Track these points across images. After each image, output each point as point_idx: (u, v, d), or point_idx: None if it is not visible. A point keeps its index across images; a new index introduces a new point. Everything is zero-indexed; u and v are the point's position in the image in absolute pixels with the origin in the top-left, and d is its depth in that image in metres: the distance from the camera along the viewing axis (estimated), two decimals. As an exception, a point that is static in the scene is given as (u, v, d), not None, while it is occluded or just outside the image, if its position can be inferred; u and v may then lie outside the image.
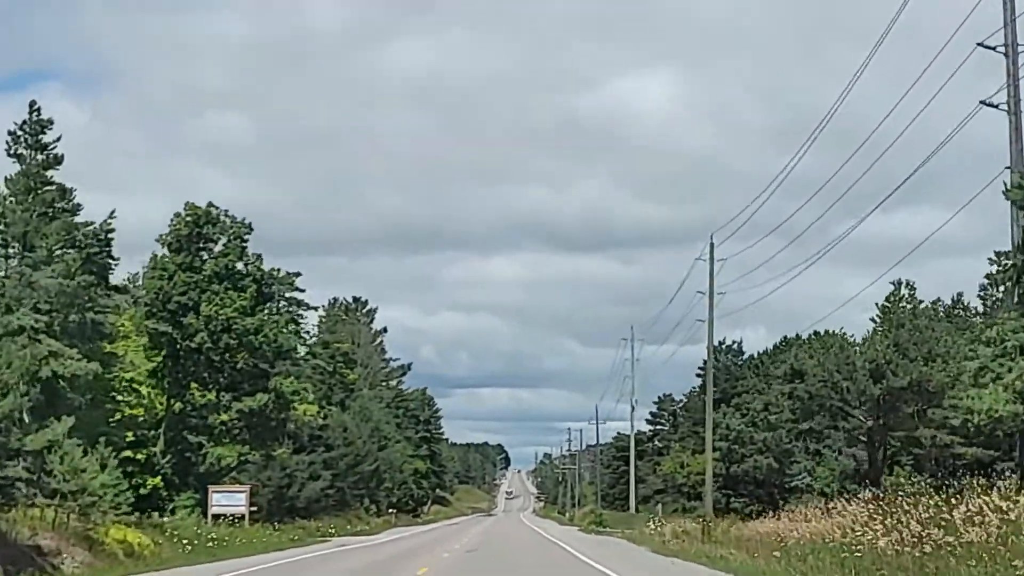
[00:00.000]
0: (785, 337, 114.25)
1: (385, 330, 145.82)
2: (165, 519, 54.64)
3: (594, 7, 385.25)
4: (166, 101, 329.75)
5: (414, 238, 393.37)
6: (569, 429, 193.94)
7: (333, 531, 66.72)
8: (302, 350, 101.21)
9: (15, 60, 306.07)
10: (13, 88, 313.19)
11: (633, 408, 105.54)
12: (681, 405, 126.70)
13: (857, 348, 49.83)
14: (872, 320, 53.60)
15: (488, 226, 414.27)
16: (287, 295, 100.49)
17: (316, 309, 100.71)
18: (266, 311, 61.77)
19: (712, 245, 65.02)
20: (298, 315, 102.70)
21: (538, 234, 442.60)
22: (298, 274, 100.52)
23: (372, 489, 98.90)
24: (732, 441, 67.98)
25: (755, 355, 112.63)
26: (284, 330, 62.79)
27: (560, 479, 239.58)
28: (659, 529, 54.66)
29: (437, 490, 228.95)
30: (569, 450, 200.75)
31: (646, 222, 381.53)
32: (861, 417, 50.13)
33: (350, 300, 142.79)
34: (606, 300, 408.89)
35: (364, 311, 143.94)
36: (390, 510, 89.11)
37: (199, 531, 41.82)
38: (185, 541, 37.85)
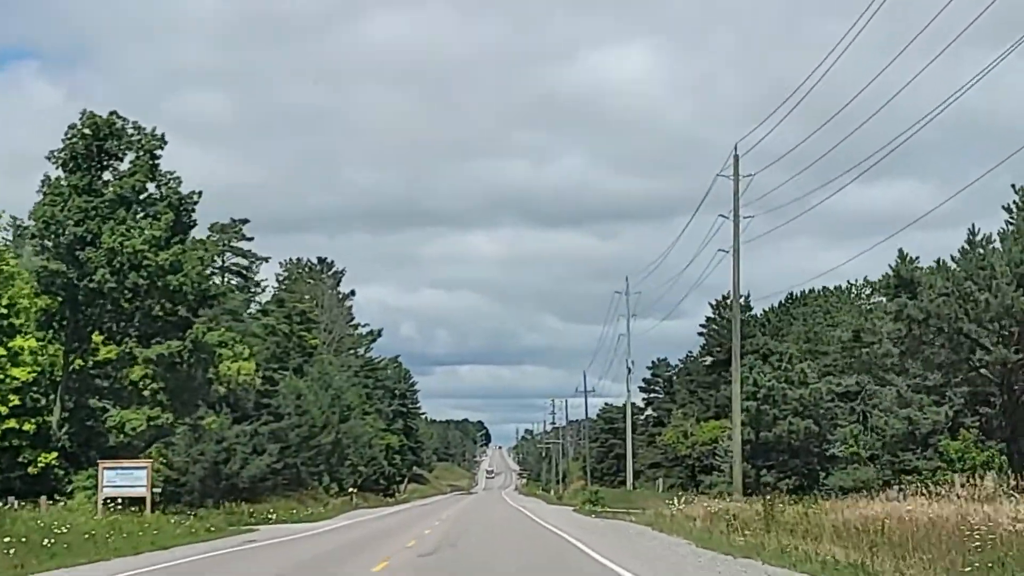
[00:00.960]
0: (791, 294, 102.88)
1: (353, 293, 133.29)
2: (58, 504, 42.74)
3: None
4: (142, 79, 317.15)
5: (393, 215, 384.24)
6: (552, 401, 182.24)
7: (273, 516, 54.57)
8: (252, 306, 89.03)
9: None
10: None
11: (629, 371, 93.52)
12: (678, 370, 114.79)
13: (993, 247, 37.27)
14: (1006, 208, 40.46)
15: (467, 202, 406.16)
16: (233, 244, 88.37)
17: (267, 260, 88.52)
18: (187, 245, 49.18)
19: (736, 158, 53.20)
20: (247, 268, 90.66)
21: (517, 209, 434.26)
22: (245, 221, 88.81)
23: (333, 466, 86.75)
24: (761, 400, 55.86)
25: (762, 312, 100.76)
26: (209, 267, 50.45)
27: (543, 454, 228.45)
28: (682, 510, 42.69)
29: (414, 468, 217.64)
30: (553, 423, 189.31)
31: (626, 196, 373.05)
32: (1001, 348, 37.65)
33: (314, 261, 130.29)
34: (586, 275, 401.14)
35: (330, 273, 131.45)
36: (351, 489, 76.80)
37: (54, 522, 29.58)
38: (23, 539, 25.65)
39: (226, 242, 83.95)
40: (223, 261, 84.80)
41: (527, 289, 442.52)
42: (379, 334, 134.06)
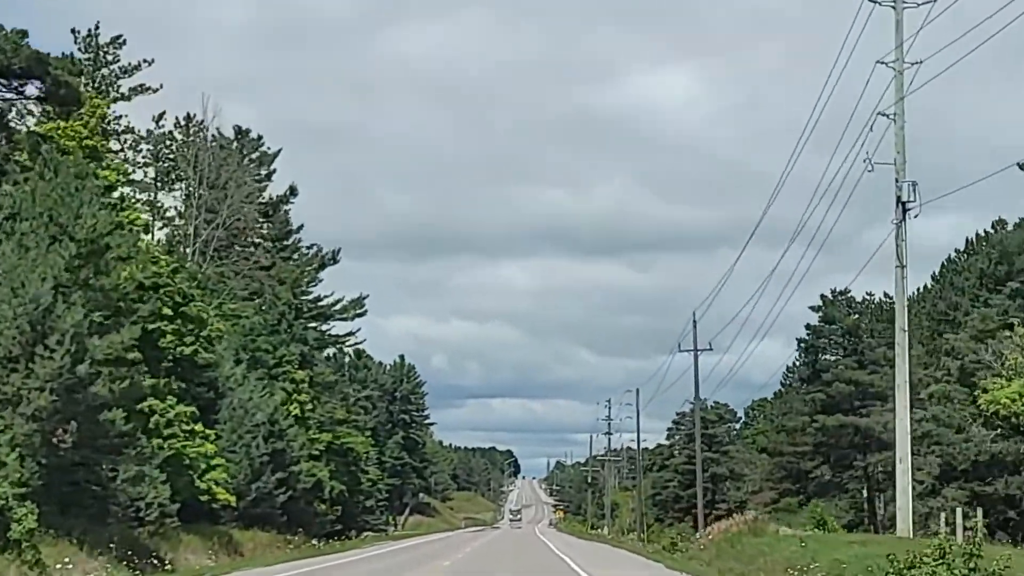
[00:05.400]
0: None
1: (293, 193, 78.34)
2: None
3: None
4: (166, 89, 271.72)
5: (422, 241, 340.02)
6: (608, 404, 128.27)
7: None
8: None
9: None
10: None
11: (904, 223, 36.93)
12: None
13: None
14: None
15: (501, 229, 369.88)
16: None
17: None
18: None
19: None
20: None
21: (552, 238, 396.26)
22: None
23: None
24: None
25: None
26: None
27: (588, 480, 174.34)
28: None
29: (420, 495, 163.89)
30: (607, 432, 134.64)
31: (666, 225, 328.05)
32: None
33: (229, 131, 75.92)
34: (621, 308, 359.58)
35: (251, 150, 77.25)
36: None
37: None
38: None
39: None
40: None
41: (560, 321, 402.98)
42: (335, 258, 79.13)
